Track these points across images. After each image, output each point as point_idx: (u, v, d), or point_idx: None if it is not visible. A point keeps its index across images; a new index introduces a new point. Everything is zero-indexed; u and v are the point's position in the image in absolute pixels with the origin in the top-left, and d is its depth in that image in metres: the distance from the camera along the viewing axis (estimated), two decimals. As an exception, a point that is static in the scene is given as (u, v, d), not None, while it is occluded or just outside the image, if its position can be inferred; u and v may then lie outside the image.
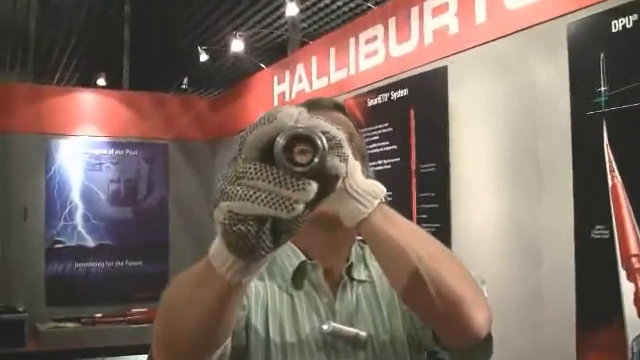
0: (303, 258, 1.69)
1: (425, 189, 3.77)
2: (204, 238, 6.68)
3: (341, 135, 1.18)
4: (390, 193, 4.06)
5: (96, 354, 6.56)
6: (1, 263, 6.78)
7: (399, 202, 3.86)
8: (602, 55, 2.73)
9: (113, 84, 9.20)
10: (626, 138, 2.63)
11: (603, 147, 2.69)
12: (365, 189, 1.27)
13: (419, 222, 3.78)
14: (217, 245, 1.16)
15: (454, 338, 1.46)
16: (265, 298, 1.66)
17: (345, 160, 1.18)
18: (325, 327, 1.62)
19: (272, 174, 1.05)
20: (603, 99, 2.71)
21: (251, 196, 1.05)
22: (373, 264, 1.73)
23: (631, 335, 2.54)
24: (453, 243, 3.62)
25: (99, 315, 7.00)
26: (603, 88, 2.71)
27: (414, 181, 3.85)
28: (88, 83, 9.65)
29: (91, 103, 7.57)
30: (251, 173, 1.06)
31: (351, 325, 1.63)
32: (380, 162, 4.11)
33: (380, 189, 1.28)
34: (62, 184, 7.35)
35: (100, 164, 7.53)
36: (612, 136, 2.67)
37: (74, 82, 11.11)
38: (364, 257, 1.76)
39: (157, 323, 1.40)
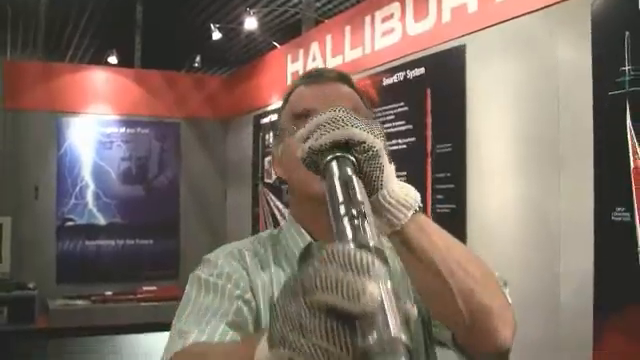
0: (309, 239, 1.67)
1: (441, 169, 3.72)
2: (214, 217, 6.65)
3: (378, 144, 1.17)
4: (405, 173, 4.01)
5: (106, 332, 6.58)
6: (13, 241, 6.77)
7: (414, 182, 3.80)
8: (627, 34, 2.66)
9: (125, 62, 9.15)
10: (650, 119, 2.57)
11: (626, 128, 2.63)
12: (399, 200, 1.23)
13: (434, 203, 3.74)
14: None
15: (476, 348, 1.43)
16: (271, 288, 1.64)
17: (382, 170, 1.18)
18: None
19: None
20: (627, 79, 2.64)
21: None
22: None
23: None
24: (468, 225, 3.58)
25: (109, 293, 7.02)
26: (627, 67, 2.64)
27: (429, 161, 3.80)
28: (100, 61, 9.60)
29: (102, 81, 7.54)
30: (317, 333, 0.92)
31: None
32: (395, 142, 4.06)
33: (414, 199, 1.25)
34: (73, 162, 7.35)
35: (111, 142, 7.52)
36: (635, 117, 2.61)
37: (86, 60, 11.07)
38: None
39: None
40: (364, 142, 1.16)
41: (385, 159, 1.20)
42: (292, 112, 1.67)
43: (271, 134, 6.08)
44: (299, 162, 1.45)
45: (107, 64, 9.29)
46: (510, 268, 3.27)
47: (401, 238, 1.26)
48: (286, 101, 1.74)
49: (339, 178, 1.06)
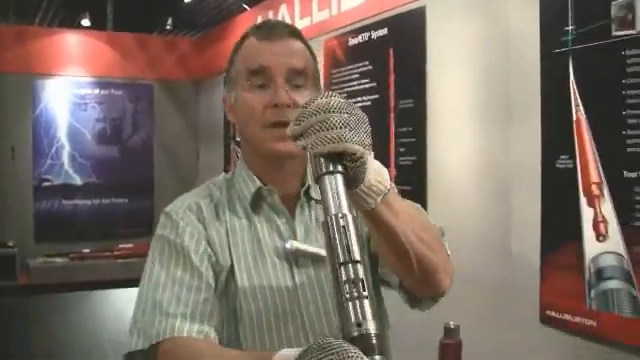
0: (259, 184, 1.80)
1: (403, 124, 3.94)
2: (188, 176, 6.88)
3: (366, 151, 1.33)
4: (371, 128, 4.22)
5: (84, 287, 6.78)
6: (-10, 201, 6.95)
7: (378, 137, 4.03)
8: (571, -4, 2.88)
9: (97, 25, 9.24)
10: (590, 74, 2.79)
11: (569, 83, 2.87)
12: (372, 188, 1.39)
13: (397, 155, 3.96)
14: None
15: (420, 293, 1.70)
16: (226, 239, 1.78)
17: (365, 170, 1.35)
18: (287, 246, 1.76)
19: None
20: (570, 38, 2.87)
21: None
22: None
23: (589, 256, 2.75)
24: (428, 174, 3.82)
25: (87, 250, 7.22)
26: (570, 27, 2.86)
27: (392, 116, 4.02)
28: (72, 24, 9.67)
29: (75, 44, 7.68)
30: None
31: (310, 243, 1.78)
32: (360, 99, 4.28)
33: (385, 185, 1.40)
34: (49, 123, 7.51)
35: (86, 104, 7.68)
36: (577, 73, 2.84)
37: (57, 23, 11.10)
38: None
39: None
40: (355, 154, 1.31)
41: (369, 158, 1.36)
42: (247, 67, 1.76)
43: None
44: (255, 118, 1.70)
45: (80, 27, 9.37)
46: (466, 213, 3.52)
47: (371, 215, 1.44)
48: (237, 48, 1.82)
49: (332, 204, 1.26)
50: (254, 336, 1.73)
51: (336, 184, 1.28)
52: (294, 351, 1.31)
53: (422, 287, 1.66)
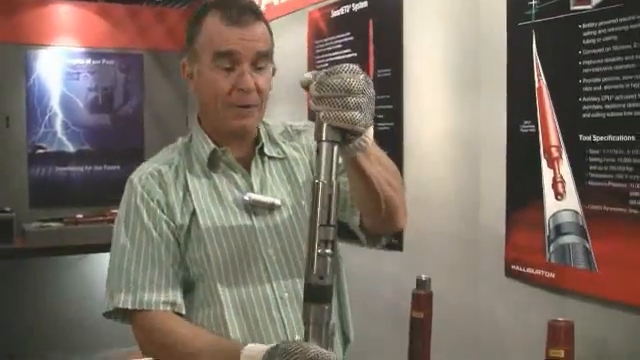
0: (214, 146, 1.99)
1: (381, 92, 4.08)
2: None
3: (370, 132, 1.60)
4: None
5: (78, 251, 6.93)
6: (-14, 169, 7.09)
7: (359, 105, 4.21)
8: (535, -29, 3.05)
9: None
10: (551, 46, 2.97)
11: (532, 54, 3.05)
12: (360, 144, 1.61)
13: (376, 121, 4.12)
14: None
15: (381, 231, 1.96)
16: (187, 194, 1.95)
17: (360, 140, 1.59)
18: (246, 198, 1.96)
19: None
20: (533, 12, 3.03)
21: None
22: (284, 141, 2.09)
23: (548, 213, 2.94)
24: (405, 140, 3.98)
25: (80, 216, 7.38)
26: (534, 2, 3.02)
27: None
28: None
29: (67, 14, 7.76)
30: None
31: (266, 194, 1.98)
32: (342, 69, 4.44)
33: (367, 142, 1.62)
34: (42, 93, 7.64)
35: (78, 73, 7.81)
36: (539, 44, 3.01)
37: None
38: (272, 135, 2.08)
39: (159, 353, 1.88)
40: (361, 135, 1.56)
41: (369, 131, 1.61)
42: (214, 49, 1.88)
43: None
44: (220, 98, 1.89)
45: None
46: (440, 174, 3.68)
47: (352, 163, 1.68)
48: (201, 22, 1.93)
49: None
50: (221, 276, 1.91)
51: (332, 153, 1.51)
52: (260, 350, 1.57)
53: (384, 225, 1.90)
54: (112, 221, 6.83)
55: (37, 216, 7.33)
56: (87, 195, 7.71)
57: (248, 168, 2.01)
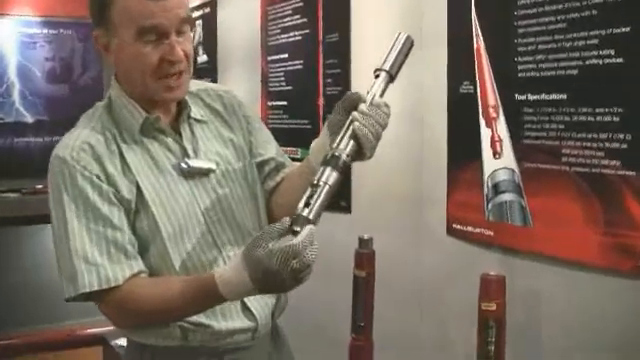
0: (145, 115, 2.03)
1: (330, 57, 4.13)
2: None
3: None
4: (302, 61, 4.45)
5: (38, 221, 6.93)
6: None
7: (309, 69, 4.28)
8: None
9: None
10: (488, 7, 3.02)
11: (471, 16, 3.10)
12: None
13: (325, 86, 4.15)
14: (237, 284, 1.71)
15: None
16: (124, 164, 2.00)
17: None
18: (183, 165, 2.02)
19: None
20: (472, -24, 3.10)
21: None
22: (208, 103, 2.18)
23: (487, 172, 2.99)
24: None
25: (39, 186, 7.36)
26: (473, -35, 3.10)
27: (321, 49, 4.20)
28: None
29: (22, -18, 7.72)
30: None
31: (200, 158, 2.06)
32: (292, 34, 4.48)
33: None
34: (-2, 62, 7.55)
35: (34, 43, 7.73)
36: (478, 7, 3.05)
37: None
38: (200, 99, 2.16)
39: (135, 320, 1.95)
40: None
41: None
42: (138, 24, 1.89)
43: (199, 30, 6.13)
44: (150, 71, 1.93)
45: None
46: (385, 134, 3.74)
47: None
48: None
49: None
50: (171, 242, 1.98)
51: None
52: (232, 266, 1.73)
53: None
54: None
55: (-5, 187, 7.29)
56: (46, 166, 7.59)
57: (178, 132, 2.05)
